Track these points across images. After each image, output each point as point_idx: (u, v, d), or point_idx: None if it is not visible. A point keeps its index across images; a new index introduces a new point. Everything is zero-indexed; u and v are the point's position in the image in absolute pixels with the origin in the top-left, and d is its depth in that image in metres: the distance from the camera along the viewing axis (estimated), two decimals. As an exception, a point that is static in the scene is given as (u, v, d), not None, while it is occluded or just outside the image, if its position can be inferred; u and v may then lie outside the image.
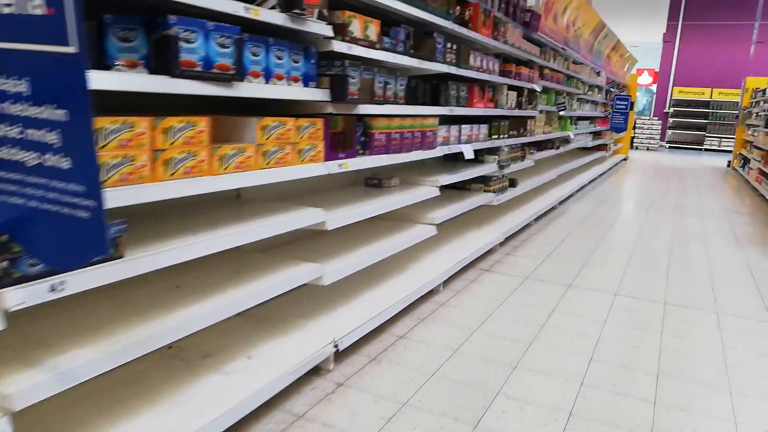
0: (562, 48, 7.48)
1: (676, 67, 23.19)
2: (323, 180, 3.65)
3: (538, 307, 3.82)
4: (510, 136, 5.50)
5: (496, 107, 5.07)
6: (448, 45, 3.82)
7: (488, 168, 5.07)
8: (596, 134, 12.36)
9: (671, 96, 23.18)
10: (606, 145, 12.53)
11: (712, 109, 22.75)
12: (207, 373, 2.34)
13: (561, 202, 7.95)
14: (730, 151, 19.04)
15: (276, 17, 2.15)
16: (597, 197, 8.73)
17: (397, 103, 3.25)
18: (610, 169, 12.89)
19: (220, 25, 1.92)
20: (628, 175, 12.05)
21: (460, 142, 4.27)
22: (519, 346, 3.19)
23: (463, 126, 4.29)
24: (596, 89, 10.70)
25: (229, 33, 1.95)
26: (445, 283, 4.15)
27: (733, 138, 18.91)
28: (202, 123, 1.93)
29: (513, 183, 6.12)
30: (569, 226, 6.48)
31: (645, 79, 25.93)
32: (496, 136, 5.11)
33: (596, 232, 6.22)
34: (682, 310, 3.93)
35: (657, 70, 24.14)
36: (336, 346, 2.73)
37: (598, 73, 10.54)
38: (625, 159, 16.20)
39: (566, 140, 8.98)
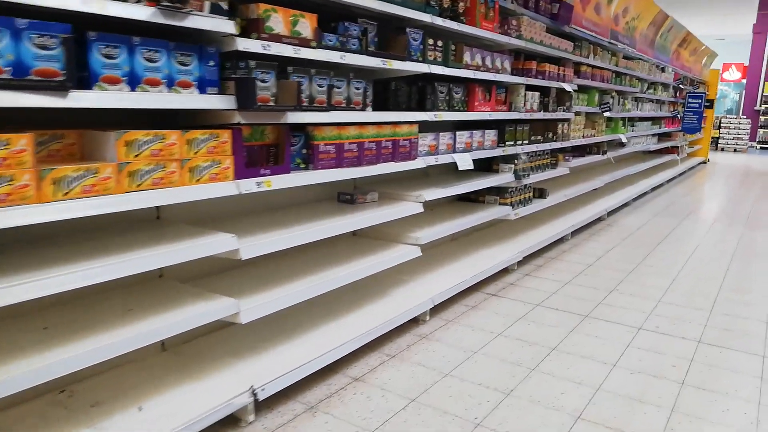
0: (610, 42, 6.73)
1: (769, 60, 21.08)
2: (288, 196, 3.28)
3: (537, 344, 3.25)
4: (532, 142, 4.90)
5: (510, 110, 4.50)
6: (430, 41, 3.35)
7: (502, 178, 4.51)
8: (663, 136, 11.27)
9: (762, 92, 21.09)
10: (677, 147, 11.40)
11: (812, 105, 20.47)
12: (79, 428, 2.01)
13: (610, 213, 7.16)
14: (832, 152, 16.95)
15: (137, 12, 1.80)
16: (657, 207, 7.83)
17: (352, 110, 2.82)
18: (682, 173, 11.73)
19: (36, 23, 1.58)
20: (702, 180, 10.88)
21: (454, 151, 3.77)
22: (493, 397, 2.65)
23: (458, 133, 3.78)
24: (660, 87, 9.71)
25: (53, 32, 1.61)
26: (436, 310, 3.66)
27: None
28: (22, 141, 1.60)
29: (542, 194, 5.49)
30: (611, 241, 5.75)
31: (732, 74, 23.80)
32: (511, 143, 4.54)
33: (641, 250, 5.46)
34: (719, 351, 3.22)
35: (746, 64, 22.07)
36: (255, 393, 2.33)
37: (663, 69, 9.54)
38: (704, 162, 14.80)
39: (621, 143, 8.14)
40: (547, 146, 5.17)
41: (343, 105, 2.77)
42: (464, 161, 3.73)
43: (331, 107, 2.63)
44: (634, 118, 8.98)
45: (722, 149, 19.99)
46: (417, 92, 3.53)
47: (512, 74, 4.49)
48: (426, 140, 3.47)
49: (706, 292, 4.26)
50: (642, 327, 3.57)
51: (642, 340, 3.35)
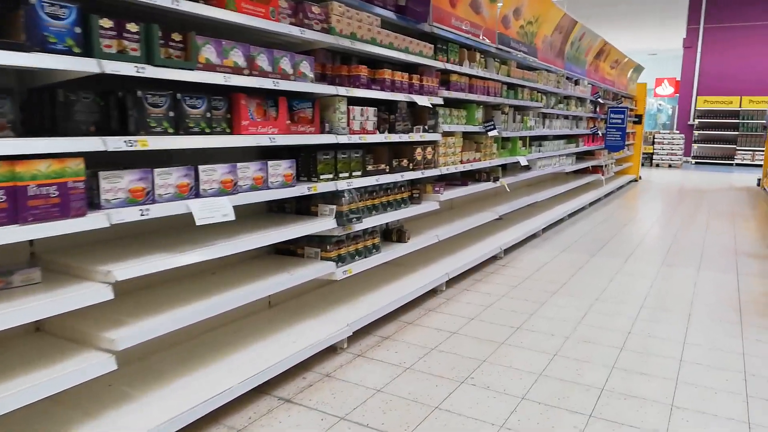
0: (498, 48, 5.65)
1: (700, 75, 20.92)
2: None
3: None
4: (370, 173, 3.68)
5: (322, 131, 3.27)
6: (105, 24, 2.07)
7: (317, 225, 3.26)
8: (585, 154, 10.37)
9: (695, 106, 20.85)
10: (601, 167, 10.51)
11: (743, 119, 20.33)
12: None
13: (509, 250, 6.03)
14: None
15: None
16: (569, 238, 6.77)
17: None
18: (609, 194, 10.84)
19: None
20: (628, 202, 9.98)
21: (197, 194, 2.49)
22: None
23: (205, 168, 2.51)
24: (575, 101, 8.77)
25: None
26: (161, 448, 2.34)
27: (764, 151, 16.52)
28: None
29: (400, 237, 4.27)
30: (497, 291, 4.58)
31: (665, 89, 23.63)
32: (329, 176, 3.30)
33: (529, 304, 4.30)
34: None
35: (678, 79, 21.87)
36: None
37: (577, 82, 8.61)
38: (635, 180, 14.07)
39: (527, 167, 7.08)
40: (397, 178, 3.96)
41: None
42: (212, 210, 2.45)
43: None
44: (541, 136, 7.97)
45: (657, 165, 19.53)
46: (116, 107, 2.25)
47: (320, 81, 3.28)
48: (122, 182, 2.18)
49: (588, 382, 3.08)
50: (475, 460, 2.34)
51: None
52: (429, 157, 4.40)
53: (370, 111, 3.63)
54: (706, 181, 14.53)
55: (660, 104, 29.87)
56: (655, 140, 19.46)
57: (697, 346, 3.54)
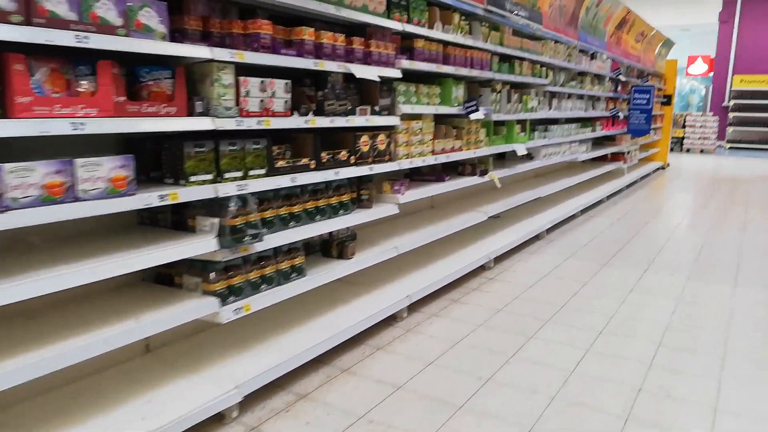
0: (486, 10, 4.55)
1: (737, 52, 19.28)
2: None
3: None
4: (282, 171, 2.68)
5: (188, 114, 2.27)
6: None
7: (191, 246, 2.29)
8: (604, 140, 9.19)
9: (731, 87, 19.23)
10: (622, 154, 9.32)
11: (783, 100, 18.66)
12: None
13: (502, 257, 4.99)
14: (807, 152, 15.15)
15: None
16: (580, 239, 5.68)
17: None
18: (631, 184, 9.65)
19: None
20: (653, 194, 8.79)
21: None
22: None
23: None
24: (591, 79, 7.59)
25: None
26: None
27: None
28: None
29: (342, 252, 3.28)
30: (478, 316, 3.56)
31: (698, 67, 21.95)
32: (205, 177, 2.32)
33: (507, 342, 3.28)
34: None
35: (712, 56, 20.24)
36: None
37: (593, 56, 7.44)
38: (662, 167, 12.79)
39: (528, 156, 5.99)
40: (329, 176, 2.96)
41: None
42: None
43: None
44: (547, 120, 6.85)
45: (688, 150, 18.08)
46: None
47: (196, 41, 2.28)
48: None
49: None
50: None
51: None
52: (381, 147, 3.37)
53: (278, 85, 2.61)
54: (742, 169, 13.15)
55: (693, 84, 28.08)
56: (686, 123, 18.00)
57: (734, 415, 2.49)
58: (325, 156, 2.96)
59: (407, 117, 3.69)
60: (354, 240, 3.51)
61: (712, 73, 20.69)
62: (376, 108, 3.31)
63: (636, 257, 5.13)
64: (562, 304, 3.89)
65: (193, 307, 2.35)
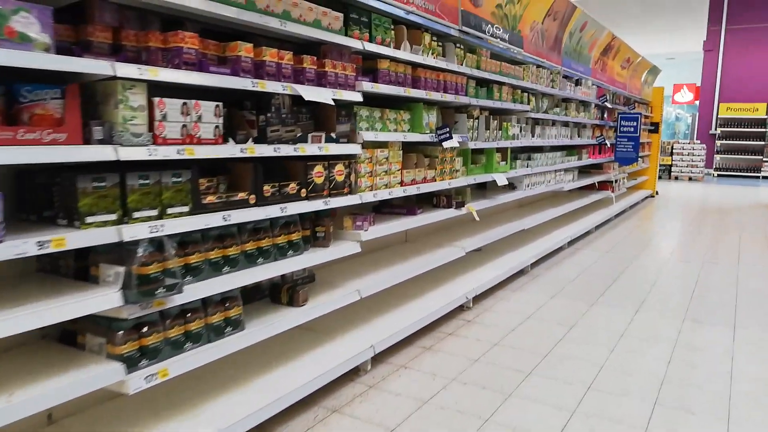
0: (462, 31, 4.24)
1: (722, 80, 19.28)
2: None
3: None
4: (212, 208, 2.28)
5: (84, 141, 1.88)
6: None
7: (91, 300, 1.87)
8: (589, 169, 8.90)
9: (717, 114, 19.20)
10: (610, 182, 9.01)
11: (770, 127, 18.62)
12: None
13: (479, 298, 4.58)
14: (796, 180, 14.98)
15: None
16: (563, 276, 5.29)
17: None
18: (620, 214, 9.34)
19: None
20: (642, 225, 8.46)
21: None
22: None
23: None
24: (576, 105, 7.31)
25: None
26: None
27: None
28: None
29: (292, 299, 2.86)
30: (441, 376, 3.13)
31: (684, 96, 21.99)
32: (106, 217, 1.92)
33: (481, 402, 2.85)
34: None
35: (698, 84, 20.25)
36: None
37: (578, 82, 7.17)
38: (651, 195, 12.52)
39: (511, 186, 5.64)
40: (273, 212, 2.56)
41: None
42: None
43: None
44: (530, 148, 6.54)
45: (676, 178, 17.91)
46: None
47: (104, 55, 1.90)
48: None
49: None
50: None
51: None
52: (339, 178, 2.99)
53: (206, 107, 2.23)
54: (731, 197, 12.92)
55: (679, 113, 28.16)
56: (674, 151, 17.87)
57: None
58: (268, 189, 2.56)
59: (371, 145, 3.32)
60: (310, 283, 3.11)
61: (697, 102, 20.69)
62: (333, 135, 2.93)
63: (626, 295, 4.74)
64: (546, 352, 3.48)
65: (93, 375, 1.92)
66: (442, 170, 4.03)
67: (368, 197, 3.21)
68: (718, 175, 19.12)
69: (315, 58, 2.81)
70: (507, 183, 4.86)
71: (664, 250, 6.65)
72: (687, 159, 17.69)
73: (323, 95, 2.74)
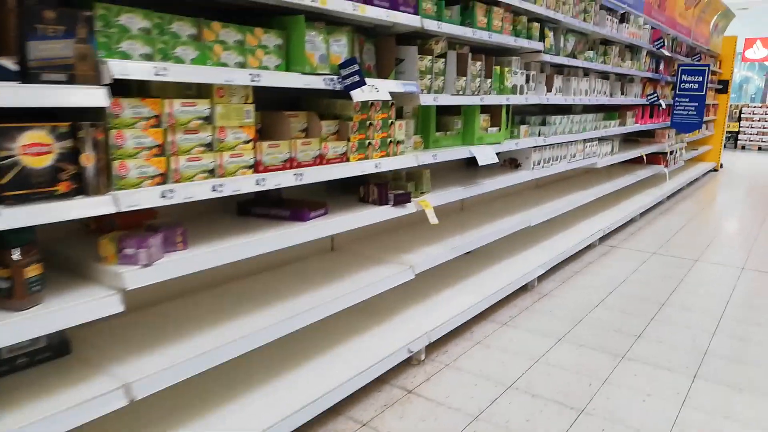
0: None
1: (805, 33, 16.43)
2: None
3: None
4: None
5: None
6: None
7: None
8: (636, 136, 6.95)
9: (796, 73, 16.42)
10: (664, 155, 7.04)
11: None
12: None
13: (440, 343, 2.91)
14: None
15: None
16: (584, 299, 3.56)
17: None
18: (674, 194, 7.38)
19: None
20: (704, 210, 6.51)
21: None
22: None
23: None
24: (618, 49, 5.37)
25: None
26: None
27: None
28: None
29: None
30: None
31: (757, 52, 19.08)
32: None
33: None
34: None
35: (775, 38, 17.38)
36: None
37: (624, 18, 5.21)
38: (715, 169, 10.40)
39: (515, 163, 3.88)
40: None
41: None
42: None
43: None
44: (543, 106, 4.70)
45: (743, 147, 15.48)
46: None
47: None
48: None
49: None
50: None
51: None
52: (38, 164, 1.34)
53: None
54: (815, 173, 10.63)
55: (747, 75, 24.95)
56: (742, 116, 15.38)
57: None
58: None
59: (173, 89, 1.66)
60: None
61: (773, 59, 17.84)
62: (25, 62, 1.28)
63: (676, 341, 2.99)
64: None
65: None
66: (362, 142, 2.33)
67: (143, 198, 1.56)
68: (794, 145, 16.48)
69: None
70: (496, 160, 3.10)
71: (735, 253, 4.77)
72: (758, 126, 15.20)
73: None
